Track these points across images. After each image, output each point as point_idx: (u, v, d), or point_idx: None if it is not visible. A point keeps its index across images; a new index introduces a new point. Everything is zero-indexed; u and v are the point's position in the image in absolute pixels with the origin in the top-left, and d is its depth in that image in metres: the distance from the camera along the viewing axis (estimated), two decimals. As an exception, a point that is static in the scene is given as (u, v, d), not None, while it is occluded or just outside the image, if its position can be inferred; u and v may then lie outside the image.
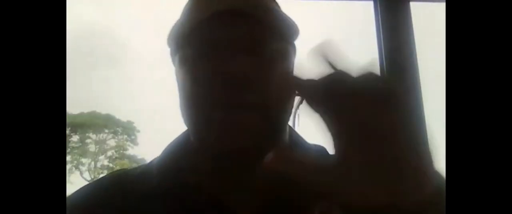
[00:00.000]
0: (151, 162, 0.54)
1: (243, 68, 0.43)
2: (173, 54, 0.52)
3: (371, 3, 1.51)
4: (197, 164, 0.50)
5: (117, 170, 0.57)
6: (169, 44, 0.52)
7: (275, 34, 0.47)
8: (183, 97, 0.48)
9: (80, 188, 0.53)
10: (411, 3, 1.48)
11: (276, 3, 0.53)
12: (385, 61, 1.42)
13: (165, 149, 0.54)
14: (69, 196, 0.52)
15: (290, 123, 0.54)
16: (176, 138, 0.55)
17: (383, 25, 1.45)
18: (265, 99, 0.45)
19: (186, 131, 0.53)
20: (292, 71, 0.51)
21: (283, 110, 0.48)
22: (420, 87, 1.40)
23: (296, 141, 0.54)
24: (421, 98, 1.40)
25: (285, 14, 0.53)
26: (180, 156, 0.52)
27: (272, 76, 0.46)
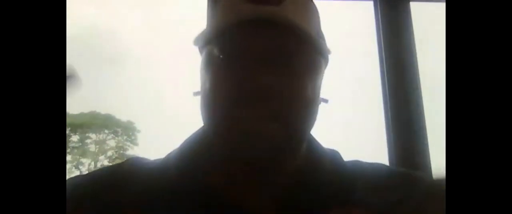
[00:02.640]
0: (168, 156, 0.54)
1: (268, 81, 0.43)
2: (200, 51, 0.52)
3: (371, 3, 1.51)
4: (216, 164, 0.50)
5: (133, 158, 0.56)
6: (196, 42, 0.51)
7: (306, 46, 0.46)
8: (205, 97, 0.48)
9: (96, 170, 0.53)
10: (411, 3, 1.48)
11: (313, 17, 0.51)
12: (385, 61, 1.42)
13: (183, 145, 0.54)
14: (84, 175, 0.53)
15: None
16: (194, 134, 0.55)
17: (383, 25, 1.45)
18: (288, 112, 0.45)
19: (203, 127, 0.53)
20: (320, 83, 0.51)
21: (306, 121, 0.47)
22: (420, 87, 1.41)
23: (313, 147, 0.54)
24: (421, 98, 1.40)
25: (319, 28, 0.52)
26: (199, 154, 0.52)
27: (298, 88, 0.46)
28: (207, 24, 0.52)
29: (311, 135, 0.55)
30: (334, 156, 0.55)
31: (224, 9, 0.49)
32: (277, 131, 0.44)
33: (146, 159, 0.55)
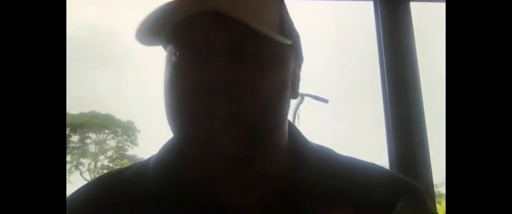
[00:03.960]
0: (146, 161, 0.54)
1: (224, 77, 0.42)
2: (165, 49, 0.50)
3: (371, 3, 1.51)
4: (191, 165, 0.49)
5: (108, 172, 0.57)
6: (138, 34, 0.47)
7: (262, 38, 0.43)
8: (165, 98, 0.46)
9: (71, 194, 0.52)
10: (411, 3, 1.48)
11: (269, 4, 0.48)
12: (385, 61, 1.42)
13: (161, 150, 0.53)
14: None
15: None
16: (172, 138, 0.54)
17: (383, 25, 1.45)
18: (248, 107, 0.43)
19: None
20: (286, 74, 0.48)
21: (270, 113, 0.46)
22: (420, 87, 1.41)
23: (298, 142, 0.53)
24: (421, 98, 1.40)
25: (287, 18, 0.50)
26: (175, 157, 0.51)
27: (258, 82, 0.44)
28: (159, 12, 0.46)
29: (298, 132, 0.54)
30: (323, 153, 0.54)
31: (173, 3, 0.45)
32: (237, 129, 0.43)
33: (119, 171, 0.55)
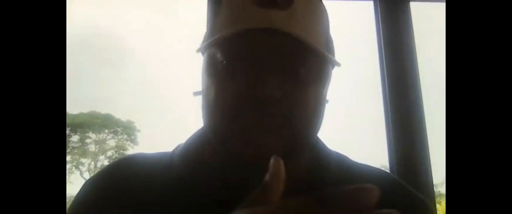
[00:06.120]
0: (173, 152, 0.54)
1: (273, 89, 0.43)
2: (202, 52, 0.51)
3: (371, 3, 1.51)
4: (221, 162, 0.50)
5: (131, 156, 0.56)
6: (200, 49, 0.51)
7: (312, 53, 0.45)
8: (208, 102, 0.47)
9: (94, 175, 0.53)
10: (411, 3, 1.48)
11: (322, 20, 0.50)
12: (385, 61, 1.42)
13: (188, 141, 0.54)
14: (87, 181, 0.52)
15: None
16: (199, 131, 0.55)
17: (383, 25, 1.45)
18: (292, 121, 0.45)
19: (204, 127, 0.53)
20: (327, 89, 0.50)
21: (309, 129, 0.47)
22: (420, 87, 1.41)
23: (318, 148, 0.54)
24: (421, 98, 1.40)
25: (328, 31, 0.52)
26: (204, 151, 0.52)
27: (303, 97, 0.45)
28: (211, 25, 0.51)
29: (318, 138, 0.55)
30: (340, 158, 0.55)
31: (231, 12, 0.48)
32: (280, 141, 0.44)
33: (143, 155, 0.55)
